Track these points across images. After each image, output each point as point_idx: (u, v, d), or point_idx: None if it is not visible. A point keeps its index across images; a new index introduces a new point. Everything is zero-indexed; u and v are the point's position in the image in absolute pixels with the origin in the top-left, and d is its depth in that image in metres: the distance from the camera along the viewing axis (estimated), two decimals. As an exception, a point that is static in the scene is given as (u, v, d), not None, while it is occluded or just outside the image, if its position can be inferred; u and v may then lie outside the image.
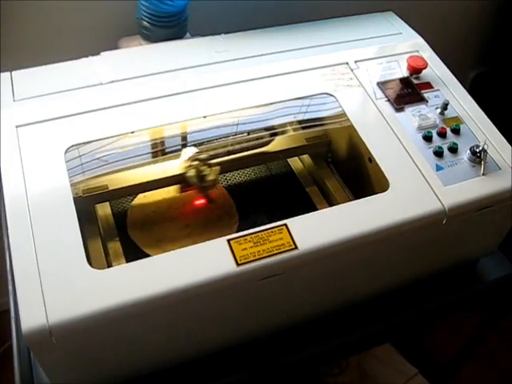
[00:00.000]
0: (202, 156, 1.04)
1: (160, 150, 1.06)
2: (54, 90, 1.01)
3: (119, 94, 1.01)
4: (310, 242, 0.87)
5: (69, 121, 0.98)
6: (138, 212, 1.09)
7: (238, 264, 0.84)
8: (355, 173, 1.09)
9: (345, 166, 1.15)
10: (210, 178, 1.04)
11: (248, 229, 1.00)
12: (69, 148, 0.95)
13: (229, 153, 1.10)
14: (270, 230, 0.88)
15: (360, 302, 1.07)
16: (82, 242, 0.83)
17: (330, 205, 1.11)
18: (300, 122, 1.19)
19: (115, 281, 0.80)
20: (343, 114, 1.05)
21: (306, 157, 1.19)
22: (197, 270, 0.83)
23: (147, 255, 0.97)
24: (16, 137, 0.95)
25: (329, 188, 1.12)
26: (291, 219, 0.89)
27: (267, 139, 1.11)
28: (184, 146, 1.06)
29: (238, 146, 1.10)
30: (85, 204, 1.04)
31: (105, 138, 0.98)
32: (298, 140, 1.14)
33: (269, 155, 1.12)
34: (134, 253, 1.02)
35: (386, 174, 0.96)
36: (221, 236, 0.91)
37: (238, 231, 1.02)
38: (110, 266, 0.98)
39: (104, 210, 1.10)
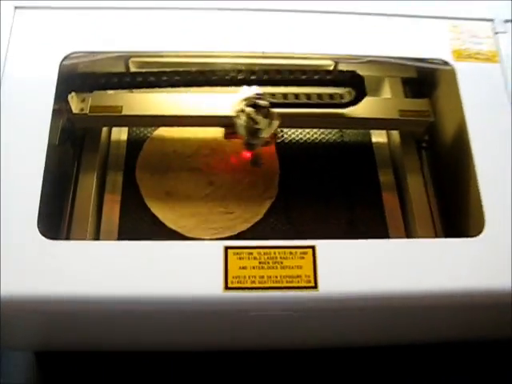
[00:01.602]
0: (262, 102, 0.75)
1: (203, 77, 0.77)
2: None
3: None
4: (338, 283, 0.61)
5: (80, 14, 0.73)
6: (156, 148, 0.85)
7: (226, 287, 0.59)
8: (451, 172, 0.79)
9: (441, 159, 0.83)
10: (264, 134, 0.75)
11: (282, 214, 0.75)
12: (71, 53, 0.71)
13: (295, 105, 0.80)
14: (288, 250, 0.62)
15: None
16: (38, 203, 0.61)
17: (404, 215, 0.81)
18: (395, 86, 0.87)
19: (73, 264, 0.60)
20: (458, 96, 0.73)
21: (394, 133, 0.87)
22: (170, 283, 0.60)
23: (147, 210, 0.79)
24: (12, 18, 0.71)
25: (408, 188, 0.81)
26: (324, 242, 0.62)
27: (349, 99, 0.80)
28: (238, 81, 0.77)
29: (308, 99, 0.80)
30: (90, 124, 0.81)
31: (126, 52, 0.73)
32: (390, 109, 0.82)
33: (346, 120, 0.82)
34: (133, 204, 0.80)
35: (484, 210, 0.65)
36: (246, 210, 0.75)
37: (269, 211, 0.79)
38: (97, 224, 0.78)
39: (115, 136, 0.86)
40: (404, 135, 0.86)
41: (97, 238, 0.77)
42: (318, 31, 0.76)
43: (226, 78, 0.76)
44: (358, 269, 0.62)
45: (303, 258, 0.62)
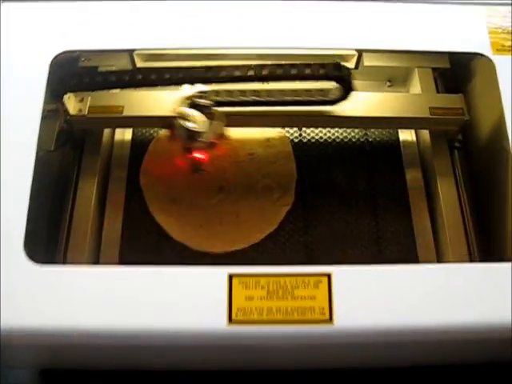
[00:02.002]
0: (203, 101, 0.68)
1: (210, 74, 0.70)
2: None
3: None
4: (356, 316, 0.54)
5: (76, 6, 0.66)
6: (162, 149, 0.78)
7: (230, 320, 0.53)
8: (489, 179, 0.71)
9: (476, 162, 0.75)
10: (204, 137, 0.67)
11: (299, 222, 0.68)
12: (66, 51, 0.64)
13: (307, 103, 0.73)
14: (300, 278, 0.55)
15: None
16: (24, 222, 0.56)
17: (434, 228, 0.73)
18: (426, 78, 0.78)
19: (67, 293, 0.54)
20: (498, 90, 0.64)
21: (425, 133, 0.78)
22: (168, 315, 0.54)
23: (152, 219, 0.73)
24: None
25: (440, 196, 0.73)
26: (341, 268, 0.55)
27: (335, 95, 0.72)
28: (248, 77, 0.69)
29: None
30: (89, 126, 0.75)
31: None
32: (420, 106, 0.74)
33: (370, 120, 0.74)
34: (137, 213, 0.74)
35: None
36: (259, 219, 0.70)
37: (284, 220, 0.72)
38: (98, 243, 0.72)
39: (118, 136, 0.80)
40: (435, 134, 0.77)
41: (97, 254, 0.71)
42: (338, 21, 0.68)
43: (236, 74, 0.68)
44: (379, 299, 0.55)
45: (317, 287, 0.55)
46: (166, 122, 0.68)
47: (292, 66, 0.67)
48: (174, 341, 0.55)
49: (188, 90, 0.67)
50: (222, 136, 0.69)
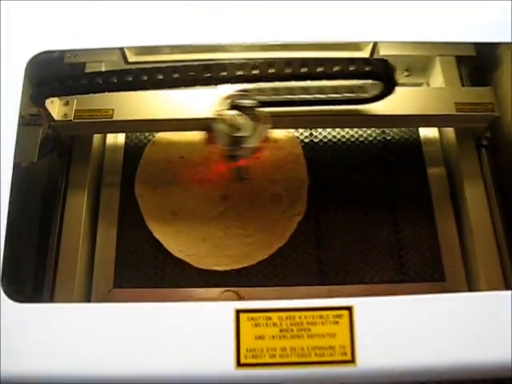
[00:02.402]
0: (247, 101, 0.60)
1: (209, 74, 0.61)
2: None
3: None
4: (381, 356, 0.47)
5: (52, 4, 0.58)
6: (158, 155, 0.71)
7: (238, 364, 0.46)
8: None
9: (506, 164, 0.67)
10: (249, 142, 0.59)
11: (312, 234, 0.62)
12: (45, 51, 0.57)
13: (317, 102, 0.64)
14: (317, 313, 0.48)
15: None
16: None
17: (460, 236, 0.66)
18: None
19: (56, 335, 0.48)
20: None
21: (449, 129, 0.70)
22: (169, 359, 0.47)
23: (149, 234, 0.67)
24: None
25: (466, 197, 0.66)
26: (363, 300, 0.49)
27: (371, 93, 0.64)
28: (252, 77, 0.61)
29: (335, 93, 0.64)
30: (76, 132, 0.68)
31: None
32: (445, 102, 0.66)
33: (388, 118, 0.66)
34: (132, 228, 0.67)
35: None
36: (267, 232, 0.63)
37: (295, 233, 0.65)
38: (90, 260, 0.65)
39: (110, 141, 0.73)
40: (460, 131, 0.70)
41: (89, 279, 0.64)
42: (355, 12, 0.60)
43: (238, 73, 0.60)
44: (407, 335, 0.48)
45: (337, 322, 0.48)
46: (204, 124, 0.61)
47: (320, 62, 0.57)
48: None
49: (226, 88, 0.60)
50: (267, 139, 0.62)
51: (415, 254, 0.66)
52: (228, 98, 0.60)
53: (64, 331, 0.48)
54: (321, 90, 0.63)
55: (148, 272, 0.65)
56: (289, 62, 0.56)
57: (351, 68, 0.55)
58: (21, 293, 0.54)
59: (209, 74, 0.59)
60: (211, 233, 0.66)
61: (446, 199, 0.69)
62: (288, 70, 0.56)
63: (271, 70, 0.56)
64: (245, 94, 0.60)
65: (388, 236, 0.67)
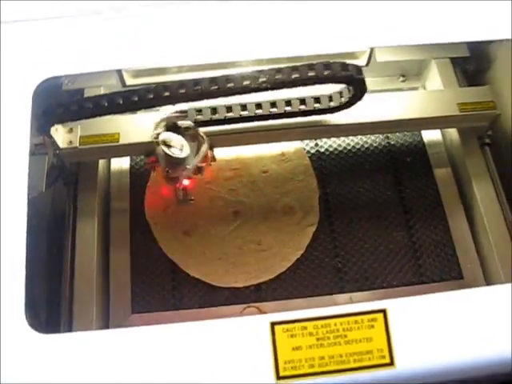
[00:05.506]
0: (184, 122, 0.61)
1: (215, 87, 0.61)
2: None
3: None
4: (420, 355, 0.47)
5: (55, 26, 0.58)
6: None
7: (278, 377, 0.45)
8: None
9: (510, 160, 0.68)
10: (189, 163, 0.60)
11: (328, 242, 0.62)
12: (49, 78, 0.56)
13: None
14: (352, 319, 0.47)
15: None
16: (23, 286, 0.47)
17: (473, 233, 0.67)
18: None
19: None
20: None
21: (452, 130, 0.71)
22: (203, 379, 0.45)
23: (163, 256, 0.66)
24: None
25: (475, 195, 0.66)
26: (396, 301, 0.48)
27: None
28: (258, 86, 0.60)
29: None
30: (83, 159, 0.67)
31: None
32: (448, 103, 0.67)
33: (396, 123, 0.66)
34: (146, 251, 0.66)
35: None
36: (283, 244, 0.63)
37: (312, 243, 0.65)
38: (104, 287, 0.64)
39: (115, 166, 0.72)
40: (463, 131, 0.70)
41: (107, 308, 0.63)
42: (349, 20, 0.61)
43: (245, 83, 0.59)
44: (443, 332, 0.48)
45: (373, 326, 0.48)
46: (147, 149, 0.61)
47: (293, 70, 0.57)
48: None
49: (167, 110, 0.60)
50: (208, 159, 0.62)
51: (431, 255, 0.66)
52: (163, 120, 0.60)
53: (96, 358, 0.47)
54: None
55: (165, 294, 0.64)
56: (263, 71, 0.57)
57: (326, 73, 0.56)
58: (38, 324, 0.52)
59: (215, 87, 0.59)
60: (227, 250, 0.66)
61: (455, 199, 0.70)
62: (262, 79, 0.56)
63: (246, 82, 0.57)
64: (182, 115, 0.60)
65: (403, 239, 0.67)
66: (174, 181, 0.61)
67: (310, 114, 0.64)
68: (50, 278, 0.64)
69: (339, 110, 0.63)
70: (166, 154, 0.58)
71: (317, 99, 0.63)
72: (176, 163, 0.59)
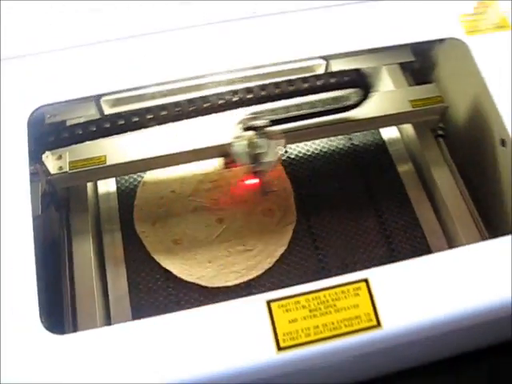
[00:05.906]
0: (260, 122, 0.67)
1: (194, 107, 0.67)
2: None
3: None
4: (403, 315, 0.52)
5: (43, 59, 0.64)
6: (151, 193, 0.75)
7: (279, 348, 0.50)
8: (477, 159, 0.72)
9: (462, 147, 0.75)
10: (269, 157, 0.66)
11: (307, 237, 0.67)
12: (39, 107, 0.61)
13: (299, 117, 0.71)
14: (339, 289, 0.53)
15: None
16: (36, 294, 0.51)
17: (436, 214, 0.73)
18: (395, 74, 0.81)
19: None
20: (474, 71, 0.66)
21: (407, 127, 0.79)
22: (211, 357, 0.50)
23: (157, 265, 0.70)
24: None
25: (437, 184, 0.73)
26: (376, 270, 0.54)
27: (354, 100, 0.71)
28: (234, 103, 0.67)
29: (308, 109, 0.71)
30: (73, 183, 0.71)
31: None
32: (400, 101, 0.74)
33: (356, 123, 0.73)
34: (139, 262, 0.70)
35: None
36: (267, 243, 0.69)
37: (293, 239, 0.70)
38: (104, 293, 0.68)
39: (102, 188, 0.77)
40: (417, 126, 0.78)
41: (108, 316, 0.67)
42: (304, 31, 0.68)
43: (220, 102, 0.66)
44: (420, 292, 0.54)
45: (358, 294, 0.53)
46: (221, 150, 0.68)
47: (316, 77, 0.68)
48: (224, 381, 0.51)
49: (239, 114, 0.67)
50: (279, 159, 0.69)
51: (402, 239, 0.72)
52: (240, 122, 0.66)
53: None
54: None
55: (163, 300, 0.68)
56: (277, 83, 0.66)
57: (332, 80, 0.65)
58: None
59: (194, 107, 0.66)
60: (215, 254, 0.71)
61: (418, 187, 0.77)
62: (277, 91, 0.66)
63: (263, 93, 0.66)
64: (256, 116, 0.67)
65: (374, 227, 0.73)
66: (258, 174, 0.69)
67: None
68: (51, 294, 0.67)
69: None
70: (250, 151, 0.65)
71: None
72: (257, 159, 0.65)
